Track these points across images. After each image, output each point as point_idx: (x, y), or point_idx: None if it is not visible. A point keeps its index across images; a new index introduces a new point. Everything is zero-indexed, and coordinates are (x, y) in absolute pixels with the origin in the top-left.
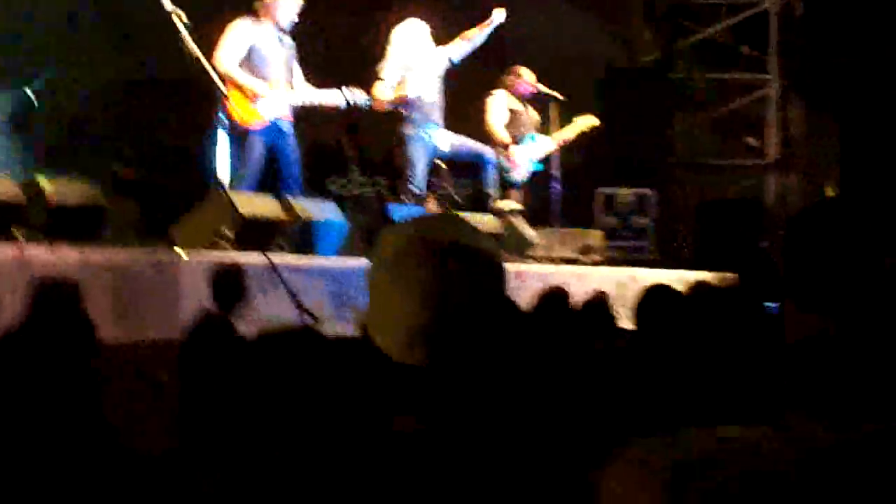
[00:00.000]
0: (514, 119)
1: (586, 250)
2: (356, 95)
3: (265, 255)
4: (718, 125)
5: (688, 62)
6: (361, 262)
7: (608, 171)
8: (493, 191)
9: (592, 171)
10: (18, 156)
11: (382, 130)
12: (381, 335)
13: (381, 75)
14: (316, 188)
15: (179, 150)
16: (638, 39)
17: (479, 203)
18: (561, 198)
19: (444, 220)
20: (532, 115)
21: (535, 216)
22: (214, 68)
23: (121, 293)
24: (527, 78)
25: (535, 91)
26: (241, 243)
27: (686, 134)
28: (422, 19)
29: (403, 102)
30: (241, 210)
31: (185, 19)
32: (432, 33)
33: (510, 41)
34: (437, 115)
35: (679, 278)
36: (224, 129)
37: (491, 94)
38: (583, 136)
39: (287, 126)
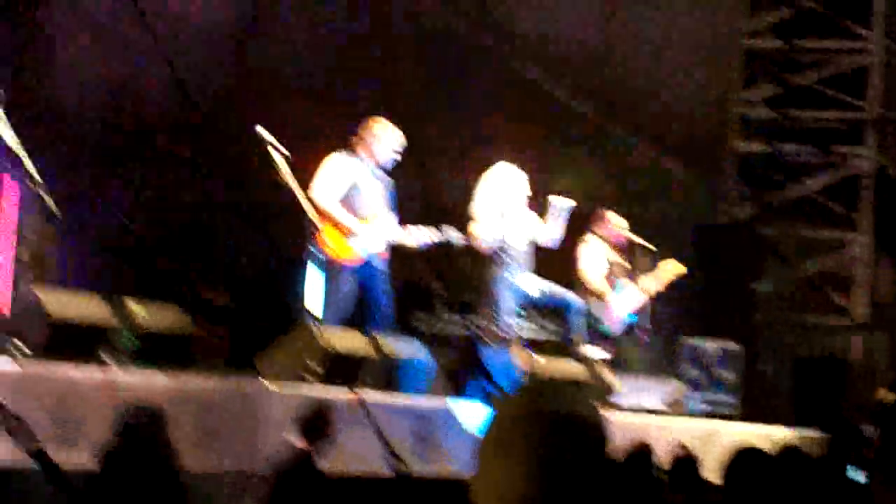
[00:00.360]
0: (609, 269)
1: (670, 401)
2: (451, 234)
3: (352, 391)
4: (806, 282)
5: (778, 218)
6: (446, 402)
7: (695, 322)
8: (577, 337)
9: (679, 322)
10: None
11: (470, 270)
12: (488, 502)
13: (476, 216)
14: (402, 325)
15: (268, 279)
16: (730, 194)
17: (564, 348)
18: (647, 347)
19: (553, 389)
20: (623, 263)
21: (620, 364)
22: (310, 200)
23: (205, 422)
24: (617, 224)
25: (626, 239)
26: (328, 377)
27: (774, 289)
28: (513, 162)
29: (497, 244)
30: (328, 344)
31: (282, 150)
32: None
33: (601, 191)
34: (527, 259)
35: (762, 434)
36: (314, 261)
37: (584, 242)
38: (671, 285)
39: (379, 261)
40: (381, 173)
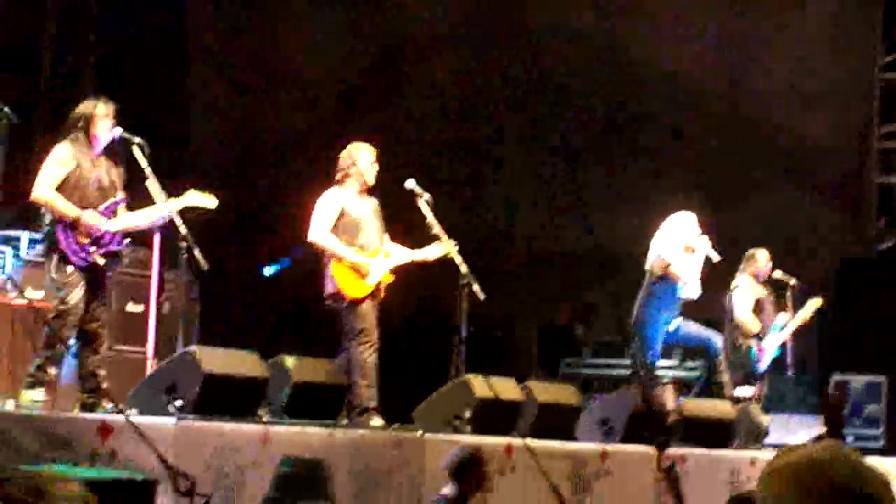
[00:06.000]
0: (758, 306)
1: (819, 439)
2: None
3: (504, 438)
4: None
5: None
6: (598, 446)
7: (841, 357)
8: (724, 377)
9: (825, 358)
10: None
11: (611, 313)
12: None
13: (668, 257)
14: (550, 370)
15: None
16: (872, 227)
17: (710, 388)
18: (794, 385)
19: (836, 457)
20: (771, 298)
21: (769, 403)
22: (311, 245)
23: (363, 473)
24: (765, 261)
25: (772, 276)
26: (480, 426)
27: None
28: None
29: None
30: (478, 393)
31: (427, 196)
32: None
33: (744, 229)
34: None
35: None
36: None
37: (735, 286)
38: (814, 321)
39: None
40: (367, 198)
